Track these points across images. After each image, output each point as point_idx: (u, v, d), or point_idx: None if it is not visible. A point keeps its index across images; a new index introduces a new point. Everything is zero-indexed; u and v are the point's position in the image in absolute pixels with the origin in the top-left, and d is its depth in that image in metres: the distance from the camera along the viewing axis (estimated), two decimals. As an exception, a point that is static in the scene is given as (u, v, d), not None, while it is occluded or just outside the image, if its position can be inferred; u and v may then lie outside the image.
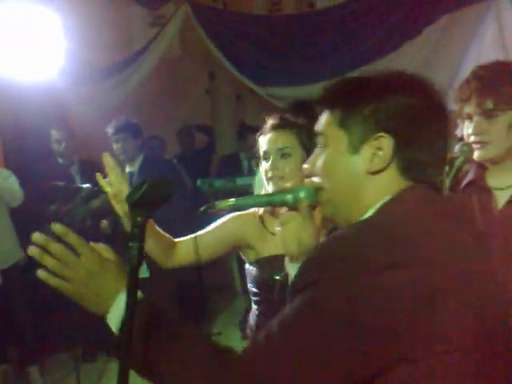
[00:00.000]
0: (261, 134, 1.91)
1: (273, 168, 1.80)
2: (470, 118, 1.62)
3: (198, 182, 4.73)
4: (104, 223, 3.97)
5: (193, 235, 1.90)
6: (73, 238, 1.03)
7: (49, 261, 1.02)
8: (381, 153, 1.01)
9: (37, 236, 1.02)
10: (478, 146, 1.61)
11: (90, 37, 4.31)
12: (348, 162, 1.04)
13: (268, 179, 1.83)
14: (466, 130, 1.64)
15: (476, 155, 1.62)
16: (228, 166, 5.24)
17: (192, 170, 5.30)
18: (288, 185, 1.23)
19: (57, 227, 1.01)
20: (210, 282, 5.56)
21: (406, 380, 0.88)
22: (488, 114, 1.58)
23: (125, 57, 5.06)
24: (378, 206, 1.01)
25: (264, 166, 1.85)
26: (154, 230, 1.77)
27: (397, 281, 0.87)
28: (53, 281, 1.03)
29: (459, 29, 4.37)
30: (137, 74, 4.94)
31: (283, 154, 1.82)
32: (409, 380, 0.88)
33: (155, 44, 4.94)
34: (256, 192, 2.34)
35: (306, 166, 1.14)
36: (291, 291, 0.98)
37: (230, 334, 4.79)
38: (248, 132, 5.25)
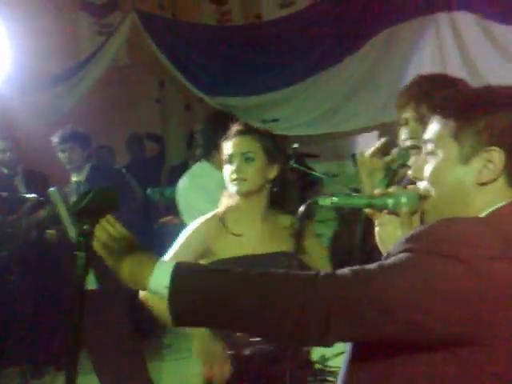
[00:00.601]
0: (225, 139, 2.02)
1: (237, 171, 1.94)
2: (407, 123, 1.70)
3: (149, 191, 4.69)
4: (50, 233, 3.90)
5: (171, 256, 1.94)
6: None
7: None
8: (491, 166, 1.03)
9: None
10: (414, 150, 1.69)
11: (35, 45, 4.25)
12: (457, 172, 1.07)
13: (231, 181, 1.96)
14: (403, 134, 1.72)
15: (412, 159, 1.70)
16: (178, 175, 5.23)
17: (142, 179, 5.26)
18: (390, 190, 1.23)
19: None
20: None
21: (475, 360, 0.96)
22: (423, 120, 1.67)
23: (71, 65, 4.99)
24: (483, 214, 1.04)
25: (228, 168, 1.98)
26: None
27: (498, 269, 0.94)
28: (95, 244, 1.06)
29: (400, 43, 4.53)
30: (83, 82, 4.89)
31: (247, 158, 1.96)
32: (479, 361, 0.96)
33: (102, 52, 4.91)
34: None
35: (411, 172, 1.17)
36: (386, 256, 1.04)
37: (182, 345, 4.77)
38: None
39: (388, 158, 1.68)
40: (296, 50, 4.86)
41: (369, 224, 1.64)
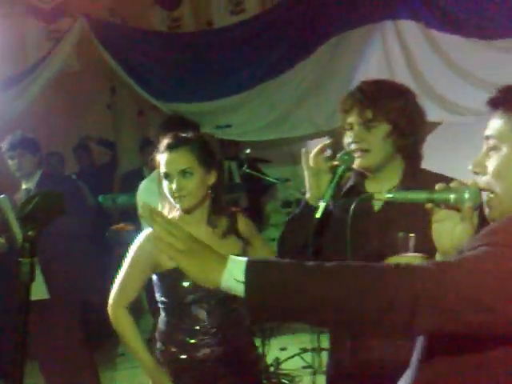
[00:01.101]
0: (158, 152, 2.02)
1: (178, 189, 1.94)
2: (351, 127, 1.75)
3: (100, 198, 4.65)
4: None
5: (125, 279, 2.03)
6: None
7: (156, 227, 1.06)
8: None
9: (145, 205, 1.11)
10: (358, 153, 1.73)
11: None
12: None
13: (174, 198, 1.97)
14: (347, 139, 1.76)
15: (356, 163, 1.74)
16: (131, 182, 5.20)
17: (94, 186, 5.20)
18: (452, 185, 1.22)
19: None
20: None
21: None
22: (367, 124, 1.71)
23: (19, 71, 4.89)
24: None
25: (167, 185, 1.97)
26: None
27: None
28: (160, 244, 1.05)
29: (348, 50, 4.62)
30: (32, 88, 4.79)
31: (184, 174, 1.95)
32: None
33: (50, 58, 4.83)
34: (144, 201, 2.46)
35: (472, 166, 1.17)
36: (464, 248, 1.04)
37: (136, 353, 4.73)
38: (150, 147, 5.26)
39: (333, 162, 1.74)
40: (247, 56, 4.90)
41: (320, 224, 1.69)
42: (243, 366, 2.14)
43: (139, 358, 2.04)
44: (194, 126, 3.37)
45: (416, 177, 1.78)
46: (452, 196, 1.19)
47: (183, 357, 2.06)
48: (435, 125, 4.94)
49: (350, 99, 1.75)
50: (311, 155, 1.75)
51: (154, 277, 2.07)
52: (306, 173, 1.77)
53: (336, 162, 1.73)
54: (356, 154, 1.74)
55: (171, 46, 5.17)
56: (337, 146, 1.79)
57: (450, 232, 1.20)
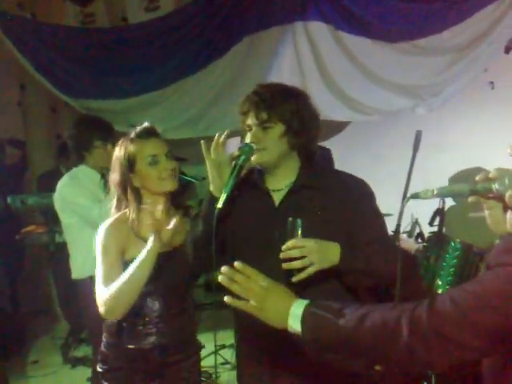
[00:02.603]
0: (135, 139, 2.09)
1: (172, 169, 2.07)
2: (250, 128, 1.84)
3: (9, 200, 4.48)
4: None
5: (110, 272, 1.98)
6: (249, 269, 1.38)
7: (234, 287, 1.36)
8: None
9: (224, 269, 1.37)
10: (258, 152, 1.84)
11: None
12: None
13: (163, 179, 2.06)
14: (247, 139, 1.85)
15: (253, 159, 1.84)
16: (48, 182, 5.06)
17: (2, 187, 5.01)
18: (490, 175, 1.22)
19: (238, 264, 1.38)
20: (27, 307, 5.30)
21: None
22: (263, 125, 1.81)
23: None
24: None
25: (155, 168, 2.06)
26: None
27: None
28: (237, 303, 1.36)
29: (261, 50, 4.71)
30: None
31: (169, 156, 2.10)
32: None
33: (-46, 53, 4.60)
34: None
35: (510, 150, 1.19)
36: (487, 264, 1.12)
37: (50, 360, 4.62)
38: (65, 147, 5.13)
39: (233, 153, 1.81)
40: (161, 54, 4.88)
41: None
42: (187, 355, 2.20)
43: (135, 271, 1.95)
44: (107, 125, 3.36)
45: (311, 173, 1.90)
46: (494, 185, 1.20)
47: (131, 346, 2.10)
48: (344, 124, 5.15)
49: (247, 102, 1.85)
50: (212, 147, 1.81)
51: None
52: (207, 164, 1.84)
53: (236, 153, 1.80)
54: (255, 152, 1.84)
55: (83, 42, 5.05)
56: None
57: (502, 218, 1.23)
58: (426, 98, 4.41)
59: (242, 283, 1.36)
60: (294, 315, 1.30)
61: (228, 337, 3.96)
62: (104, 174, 3.34)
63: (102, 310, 1.96)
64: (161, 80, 4.90)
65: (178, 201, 2.18)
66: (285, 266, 1.68)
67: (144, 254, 1.94)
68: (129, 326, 2.10)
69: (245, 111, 1.85)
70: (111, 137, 3.25)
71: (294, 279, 1.68)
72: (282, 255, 1.68)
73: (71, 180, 3.23)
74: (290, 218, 1.69)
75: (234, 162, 1.81)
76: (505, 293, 1.06)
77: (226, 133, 1.85)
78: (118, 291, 1.93)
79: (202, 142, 1.86)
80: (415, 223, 4.22)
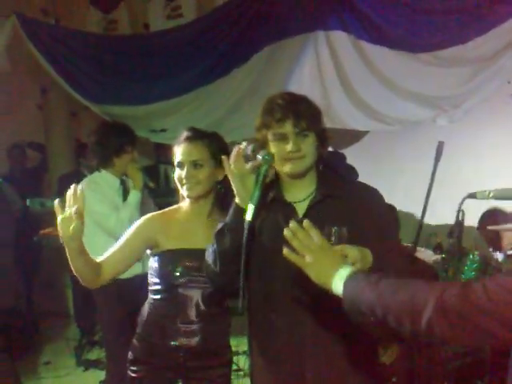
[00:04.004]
0: (176, 144, 2.15)
1: (188, 176, 2.10)
2: (284, 137, 1.80)
3: (28, 202, 4.53)
4: None
5: (112, 249, 2.10)
6: (313, 230, 1.52)
7: (295, 242, 1.51)
8: None
9: (292, 224, 1.52)
10: (296, 161, 1.81)
11: None
12: None
13: (183, 185, 2.12)
14: (278, 147, 1.80)
15: (291, 169, 1.82)
16: (69, 183, 5.09)
17: (22, 189, 5.07)
18: None
19: (306, 223, 1.53)
20: (41, 308, 5.32)
21: None
22: (302, 134, 1.80)
23: None
24: None
25: (178, 173, 2.12)
26: (83, 250, 1.92)
27: None
28: (293, 256, 1.50)
29: (282, 58, 4.72)
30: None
31: (195, 165, 2.10)
32: None
33: (-20, 57, 4.68)
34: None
35: None
36: None
37: (63, 362, 4.63)
38: (86, 149, 5.18)
39: (255, 163, 1.79)
40: (183, 61, 4.91)
41: None
42: (214, 364, 2.18)
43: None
44: (132, 131, 3.39)
45: (331, 183, 1.89)
46: None
47: (156, 341, 2.13)
48: (363, 133, 5.13)
49: (281, 110, 1.79)
50: (230, 160, 1.80)
51: (151, 258, 2.19)
52: (230, 178, 1.82)
53: (257, 163, 1.79)
54: (293, 161, 1.81)
55: (106, 48, 5.11)
56: (254, 146, 1.83)
57: None
58: (447, 109, 4.36)
59: (302, 240, 1.50)
60: (339, 276, 1.42)
61: (241, 343, 3.95)
62: (123, 181, 3.36)
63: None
64: (182, 87, 4.93)
65: (221, 203, 2.18)
66: None
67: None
68: (161, 321, 2.13)
69: (279, 119, 1.79)
70: (136, 142, 3.30)
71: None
72: None
73: (90, 185, 3.24)
74: (335, 227, 1.65)
75: (256, 173, 1.77)
76: None
77: (244, 143, 1.83)
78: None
79: (223, 157, 1.84)
80: (433, 235, 4.19)
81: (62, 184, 5.25)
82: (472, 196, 1.31)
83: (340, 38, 4.52)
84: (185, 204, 2.21)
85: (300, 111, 1.80)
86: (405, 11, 4.35)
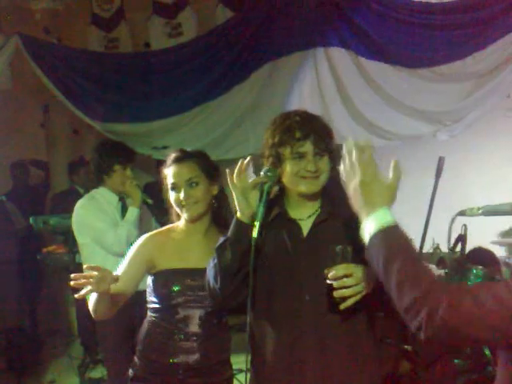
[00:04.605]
0: (165, 166, 2.13)
1: (186, 197, 2.06)
2: (302, 155, 1.80)
3: (31, 220, 4.53)
4: None
5: (119, 273, 2.05)
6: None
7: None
8: None
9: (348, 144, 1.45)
10: (313, 180, 1.81)
11: None
12: None
13: (182, 206, 2.08)
14: (296, 166, 1.80)
15: (308, 188, 1.82)
16: (63, 201, 5.13)
17: (25, 207, 5.08)
18: None
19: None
20: (45, 326, 5.30)
21: None
22: (321, 153, 1.80)
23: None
24: None
25: (174, 195, 2.09)
26: (109, 294, 1.91)
27: None
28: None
29: (282, 75, 4.77)
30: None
31: (191, 184, 2.08)
32: None
33: (-18, 76, 4.72)
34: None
35: None
36: None
37: (67, 381, 4.60)
38: (80, 166, 5.22)
39: (257, 179, 1.80)
40: (184, 79, 4.96)
41: None
42: (215, 381, 2.16)
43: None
44: (128, 150, 3.41)
45: (333, 201, 1.89)
46: None
47: (156, 359, 2.11)
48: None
49: (301, 129, 1.79)
50: (234, 175, 1.80)
51: (148, 277, 2.15)
52: (233, 192, 1.82)
53: (261, 179, 1.79)
54: (310, 180, 1.81)
55: (107, 66, 5.16)
56: (256, 162, 1.85)
57: None
58: (447, 124, 4.40)
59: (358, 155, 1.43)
60: (378, 217, 1.34)
61: (244, 361, 3.90)
62: (122, 198, 3.37)
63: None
64: (183, 104, 4.97)
65: (218, 218, 2.17)
66: (337, 294, 1.66)
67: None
68: (161, 338, 2.11)
69: (300, 138, 1.79)
70: (131, 162, 3.30)
71: (343, 306, 1.66)
72: (336, 284, 1.66)
73: (89, 201, 3.27)
74: (340, 246, 1.67)
75: (261, 189, 1.77)
76: None
77: (248, 158, 1.84)
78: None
79: (227, 170, 1.85)
80: (436, 249, 4.17)
81: (55, 202, 5.29)
82: (462, 213, 1.32)
83: (339, 54, 4.57)
84: (181, 222, 2.17)
85: (319, 131, 1.81)
86: (404, 27, 4.40)
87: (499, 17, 4.08)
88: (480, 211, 1.31)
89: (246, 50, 4.82)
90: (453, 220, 1.55)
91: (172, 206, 2.15)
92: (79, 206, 3.30)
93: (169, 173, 2.12)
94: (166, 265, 2.10)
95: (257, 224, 1.73)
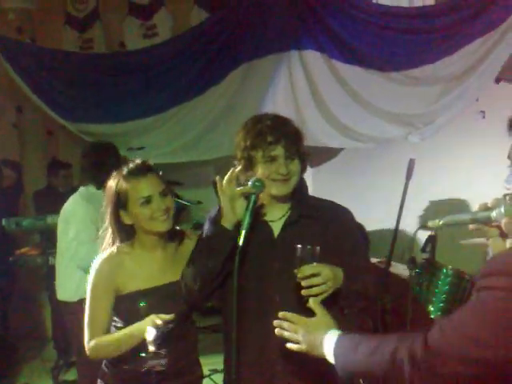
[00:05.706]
0: (129, 180, 2.02)
1: (162, 208, 2.00)
2: (274, 159, 1.84)
3: (3, 222, 4.48)
4: None
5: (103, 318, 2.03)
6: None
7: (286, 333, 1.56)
8: None
9: (276, 322, 1.58)
10: (284, 182, 1.86)
11: None
12: None
13: (156, 219, 2.00)
14: (268, 169, 1.85)
15: (278, 190, 1.87)
16: (45, 199, 5.11)
17: (-1, 209, 5.02)
18: (488, 204, 1.25)
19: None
20: (17, 329, 5.24)
21: None
22: (291, 157, 1.86)
23: None
24: None
25: (147, 209, 2.00)
26: None
27: None
28: (286, 335, 1.55)
29: (256, 77, 4.79)
30: None
31: (164, 194, 2.03)
32: None
33: (-47, 76, 4.65)
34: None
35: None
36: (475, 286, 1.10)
37: (40, 383, 4.57)
38: (60, 168, 5.18)
39: (246, 189, 1.82)
40: (160, 79, 4.95)
41: None
42: (186, 382, 2.18)
43: (125, 342, 2.02)
44: (115, 151, 3.44)
45: (303, 203, 1.96)
46: (493, 214, 1.24)
47: (127, 367, 2.09)
48: (337, 150, 5.22)
49: (272, 133, 1.84)
50: (224, 182, 1.83)
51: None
52: (221, 198, 1.85)
53: (248, 189, 1.81)
54: (281, 183, 1.86)
55: (81, 67, 5.11)
56: (246, 172, 1.87)
57: (502, 246, 1.26)
58: (419, 127, 4.48)
59: (289, 329, 1.55)
60: (328, 346, 1.43)
61: (220, 362, 3.93)
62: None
63: (87, 351, 2.04)
64: (158, 105, 4.97)
65: (171, 232, 2.12)
66: (305, 292, 1.71)
67: (136, 329, 1.97)
68: (129, 349, 2.07)
69: (271, 142, 1.83)
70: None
71: (311, 304, 1.71)
72: (304, 283, 1.71)
73: (86, 198, 3.33)
74: (309, 246, 1.71)
75: (248, 199, 1.80)
76: (480, 322, 1.07)
77: (238, 167, 1.87)
78: (104, 348, 2.02)
79: (217, 177, 1.85)
80: (407, 249, 4.24)
81: (38, 199, 5.25)
82: (424, 227, 1.35)
83: (313, 57, 4.61)
84: (135, 240, 2.09)
85: (290, 135, 1.86)
86: (376, 31, 4.47)
87: (467, 23, 4.18)
88: (441, 223, 1.34)
89: (220, 52, 4.83)
90: (415, 233, 1.59)
91: (119, 224, 2.05)
92: (73, 202, 3.38)
93: (137, 187, 2.02)
94: (128, 288, 2.04)
95: (243, 232, 1.75)
